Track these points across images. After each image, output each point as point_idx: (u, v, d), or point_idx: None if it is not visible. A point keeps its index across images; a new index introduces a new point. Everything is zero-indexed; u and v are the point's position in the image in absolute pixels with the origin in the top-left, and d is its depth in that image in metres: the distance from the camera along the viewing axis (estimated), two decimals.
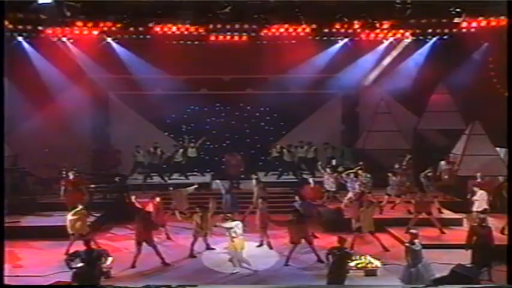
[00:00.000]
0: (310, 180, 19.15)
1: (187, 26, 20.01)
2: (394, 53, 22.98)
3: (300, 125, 25.44)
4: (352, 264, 13.14)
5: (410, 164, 20.28)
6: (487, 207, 16.44)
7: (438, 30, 20.82)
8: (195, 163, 23.56)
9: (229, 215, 16.15)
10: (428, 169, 18.92)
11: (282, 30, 20.45)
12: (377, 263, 13.75)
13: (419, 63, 22.99)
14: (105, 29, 20.16)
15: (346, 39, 22.00)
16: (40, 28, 19.56)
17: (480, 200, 16.69)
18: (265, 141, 24.81)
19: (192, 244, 15.13)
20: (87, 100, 24.08)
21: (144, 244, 14.20)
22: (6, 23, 16.48)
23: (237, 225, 14.11)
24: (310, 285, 12.91)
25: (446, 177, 20.00)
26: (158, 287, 11.87)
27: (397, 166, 19.84)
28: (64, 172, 19.23)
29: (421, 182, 18.51)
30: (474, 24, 19.67)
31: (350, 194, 17.24)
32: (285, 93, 24.43)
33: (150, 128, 24.84)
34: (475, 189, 17.08)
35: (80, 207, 15.32)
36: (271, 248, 15.77)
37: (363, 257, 13.89)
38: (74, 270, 11.98)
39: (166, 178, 22.42)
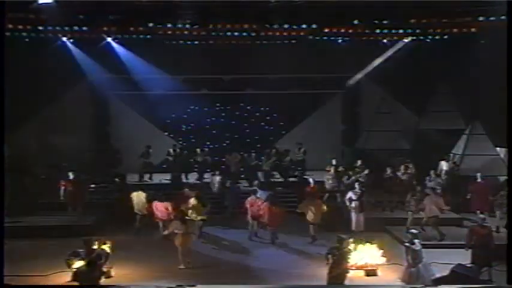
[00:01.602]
0: (310, 180, 19.16)
1: (187, 26, 20.00)
2: (394, 53, 22.96)
3: (300, 124, 25.47)
4: (352, 263, 13.12)
5: (409, 172, 20.09)
6: (438, 214, 16.06)
7: (438, 30, 20.81)
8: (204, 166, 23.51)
9: None
10: (431, 171, 18.97)
11: (282, 30, 20.43)
12: (376, 258, 13.70)
13: (419, 63, 22.98)
14: (105, 29, 20.16)
15: (346, 39, 22.00)
16: (40, 28, 19.54)
17: (429, 204, 16.24)
18: (265, 141, 24.84)
19: None
20: (87, 100, 24.14)
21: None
22: (6, 22, 16.46)
23: None
24: (310, 285, 12.91)
25: (446, 177, 19.99)
26: (158, 287, 11.90)
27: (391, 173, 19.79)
28: (64, 172, 19.22)
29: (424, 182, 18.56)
30: (474, 24, 19.68)
31: (350, 194, 17.21)
32: (285, 93, 24.45)
33: (150, 128, 24.86)
34: (428, 191, 16.74)
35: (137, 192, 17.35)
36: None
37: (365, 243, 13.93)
38: (74, 270, 12.01)
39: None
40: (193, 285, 11.41)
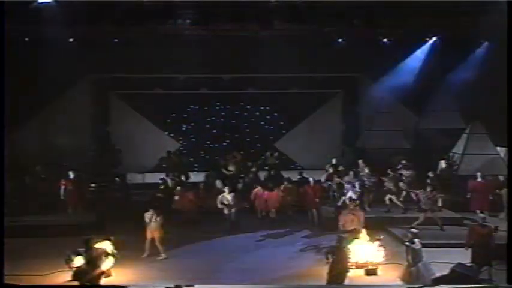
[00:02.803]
0: (310, 179, 19.18)
1: (187, 25, 20.00)
2: (395, 52, 22.96)
3: (300, 124, 25.49)
4: (352, 261, 13.11)
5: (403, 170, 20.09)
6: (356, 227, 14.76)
7: (438, 30, 20.81)
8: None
9: None
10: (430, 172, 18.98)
11: (282, 29, 20.43)
12: (377, 256, 13.69)
13: (419, 63, 22.99)
14: (105, 28, 20.15)
15: (346, 39, 22.01)
16: (40, 28, 19.52)
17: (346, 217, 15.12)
18: (265, 141, 24.85)
19: None
20: (88, 99, 24.14)
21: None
22: (6, 22, 16.48)
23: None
24: (310, 285, 12.91)
25: (446, 176, 19.99)
26: (157, 287, 11.91)
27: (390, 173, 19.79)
28: (64, 171, 19.22)
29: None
30: (474, 24, 19.66)
31: (350, 193, 17.22)
32: (285, 92, 24.47)
33: (150, 128, 24.88)
34: (350, 210, 15.32)
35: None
36: None
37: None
38: (74, 269, 12.01)
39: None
40: (191, 285, 11.43)
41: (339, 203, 17.85)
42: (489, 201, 17.99)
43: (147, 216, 14.90)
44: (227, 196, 17.47)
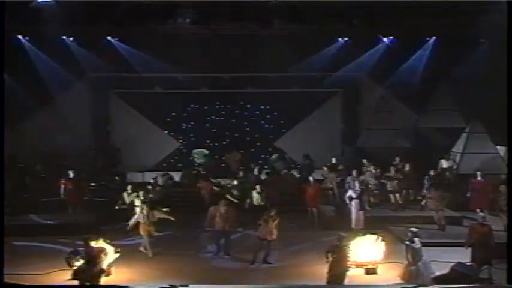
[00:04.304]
0: (310, 178, 19.19)
1: (187, 24, 20.03)
2: (394, 52, 22.98)
3: (300, 123, 25.49)
4: (352, 260, 13.10)
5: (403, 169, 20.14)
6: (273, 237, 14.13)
7: (438, 30, 20.81)
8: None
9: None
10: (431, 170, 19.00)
11: (282, 29, 20.46)
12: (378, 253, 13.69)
13: (419, 62, 22.99)
14: (105, 27, 20.17)
15: (346, 38, 22.02)
16: (40, 27, 19.55)
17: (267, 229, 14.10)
18: (265, 140, 24.83)
19: None
20: (88, 98, 24.14)
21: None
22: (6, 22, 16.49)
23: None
24: (310, 285, 12.91)
25: (446, 175, 20.00)
26: (153, 287, 11.95)
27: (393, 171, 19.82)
28: (64, 171, 19.23)
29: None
30: (474, 24, 19.68)
31: (350, 192, 17.24)
32: (285, 91, 24.47)
33: (150, 127, 24.88)
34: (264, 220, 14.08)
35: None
36: None
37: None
38: (74, 268, 12.02)
39: None
40: (186, 285, 11.45)
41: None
42: (489, 200, 17.99)
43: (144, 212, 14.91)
44: (221, 209, 14.95)
